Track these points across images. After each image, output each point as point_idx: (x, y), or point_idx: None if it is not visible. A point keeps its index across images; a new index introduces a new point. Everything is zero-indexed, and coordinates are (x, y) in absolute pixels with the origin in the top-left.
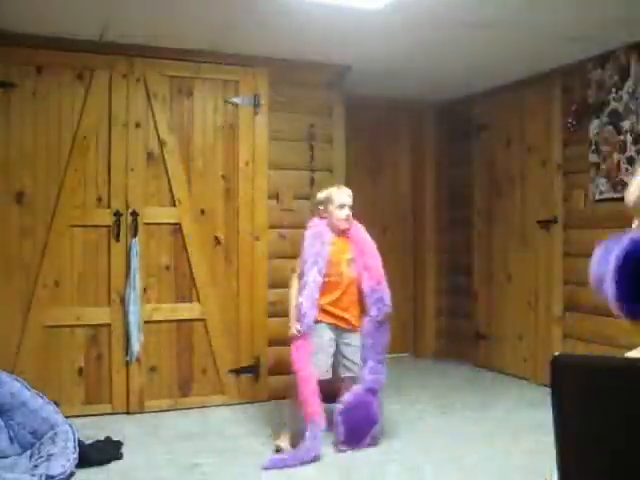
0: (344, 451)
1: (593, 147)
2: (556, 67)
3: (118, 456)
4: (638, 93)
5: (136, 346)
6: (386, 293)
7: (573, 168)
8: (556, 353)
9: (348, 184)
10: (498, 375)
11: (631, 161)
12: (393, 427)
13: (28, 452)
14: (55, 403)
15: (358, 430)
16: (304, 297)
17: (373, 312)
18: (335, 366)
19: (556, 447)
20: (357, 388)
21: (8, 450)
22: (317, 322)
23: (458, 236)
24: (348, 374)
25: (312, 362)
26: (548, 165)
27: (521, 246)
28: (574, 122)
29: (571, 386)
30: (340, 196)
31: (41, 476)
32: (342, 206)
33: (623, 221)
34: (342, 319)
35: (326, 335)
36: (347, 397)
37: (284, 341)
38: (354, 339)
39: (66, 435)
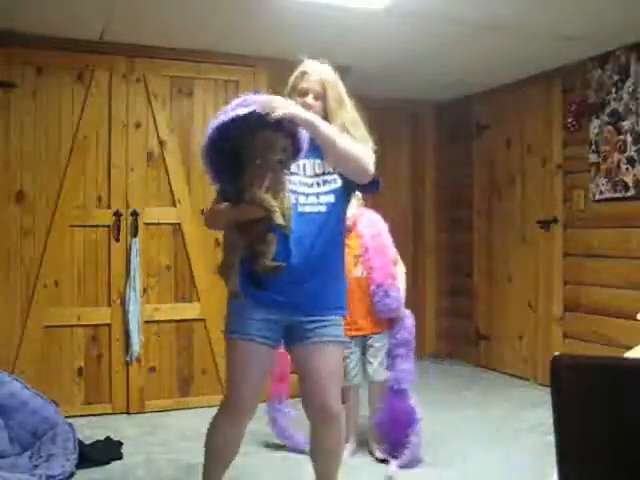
0: (387, 461)
1: (593, 147)
2: (556, 67)
3: (118, 456)
4: (638, 93)
5: (136, 346)
6: (393, 288)
7: (573, 168)
8: (556, 353)
9: None
10: (498, 375)
11: (631, 161)
12: None
13: (28, 452)
14: (55, 403)
15: (395, 437)
16: None
17: (379, 308)
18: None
19: (556, 447)
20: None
21: (8, 450)
22: None
23: (458, 236)
24: (370, 379)
25: None
26: (548, 165)
27: (521, 246)
28: (574, 122)
29: (571, 386)
30: None
31: (41, 476)
32: None
33: (623, 221)
34: (360, 323)
35: (349, 348)
36: (377, 411)
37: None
38: (377, 341)
39: (66, 435)
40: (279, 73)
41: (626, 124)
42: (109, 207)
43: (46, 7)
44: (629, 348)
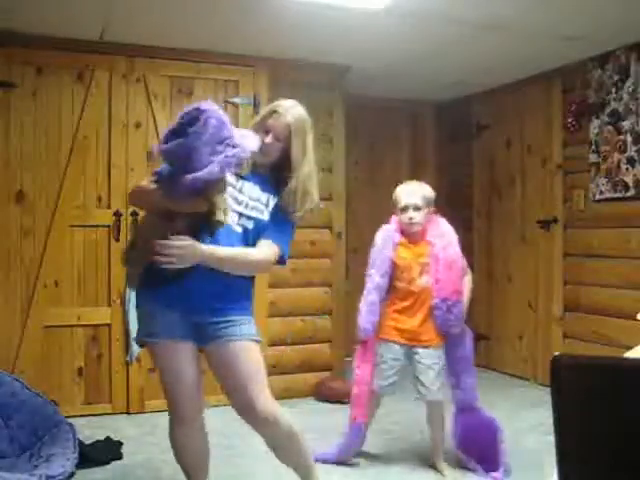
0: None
1: (593, 147)
2: (556, 67)
3: (118, 456)
4: (638, 93)
5: (136, 346)
6: (457, 305)
7: (573, 168)
8: (556, 353)
9: (348, 184)
10: (498, 375)
11: (631, 161)
12: (394, 428)
13: (28, 452)
14: (55, 403)
15: (485, 453)
16: (362, 303)
17: (439, 323)
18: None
19: (556, 447)
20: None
21: (8, 450)
22: (381, 339)
23: (458, 236)
24: (422, 399)
25: (373, 370)
26: (548, 165)
27: (521, 246)
28: (574, 122)
29: (571, 386)
30: (402, 196)
31: (41, 476)
32: (405, 208)
33: (623, 221)
34: (411, 332)
35: (387, 355)
36: (457, 436)
37: (284, 341)
38: (428, 357)
39: (66, 435)
40: (279, 73)
41: (626, 124)
42: (109, 207)
43: (46, 7)
44: (629, 348)
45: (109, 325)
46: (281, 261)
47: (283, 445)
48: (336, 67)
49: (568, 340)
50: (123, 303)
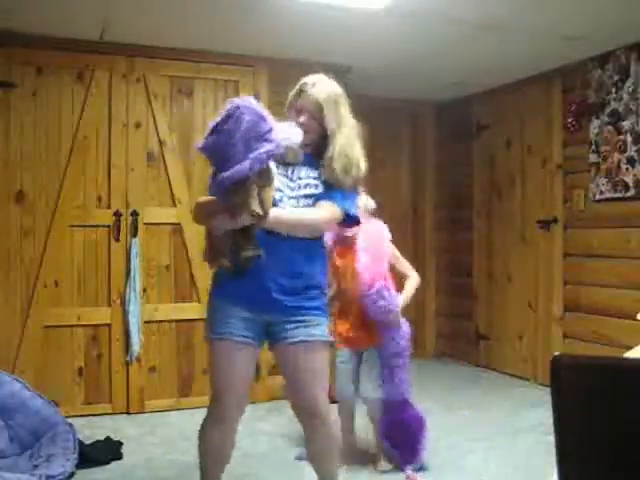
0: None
1: (593, 147)
2: (556, 67)
3: (118, 456)
4: (638, 93)
5: (136, 346)
6: (385, 289)
7: (573, 168)
8: (556, 353)
9: None
10: (498, 375)
11: (631, 161)
12: None
13: (28, 452)
14: (55, 403)
15: (407, 446)
16: None
17: (374, 311)
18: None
19: (556, 447)
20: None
21: (8, 450)
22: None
23: (458, 236)
24: (365, 395)
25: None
26: (548, 165)
27: (521, 246)
28: (574, 122)
29: (571, 386)
30: None
31: (41, 476)
32: None
33: (623, 221)
34: (353, 338)
35: (337, 359)
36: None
37: None
38: (371, 356)
39: (66, 435)
40: (279, 73)
41: (626, 124)
42: (109, 207)
43: (46, 7)
44: (629, 348)
45: (109, 325)
46: (349, 220)
47: (323, 450)
48: (336, 67)
49: (568, 340)
50: (123, 303)
